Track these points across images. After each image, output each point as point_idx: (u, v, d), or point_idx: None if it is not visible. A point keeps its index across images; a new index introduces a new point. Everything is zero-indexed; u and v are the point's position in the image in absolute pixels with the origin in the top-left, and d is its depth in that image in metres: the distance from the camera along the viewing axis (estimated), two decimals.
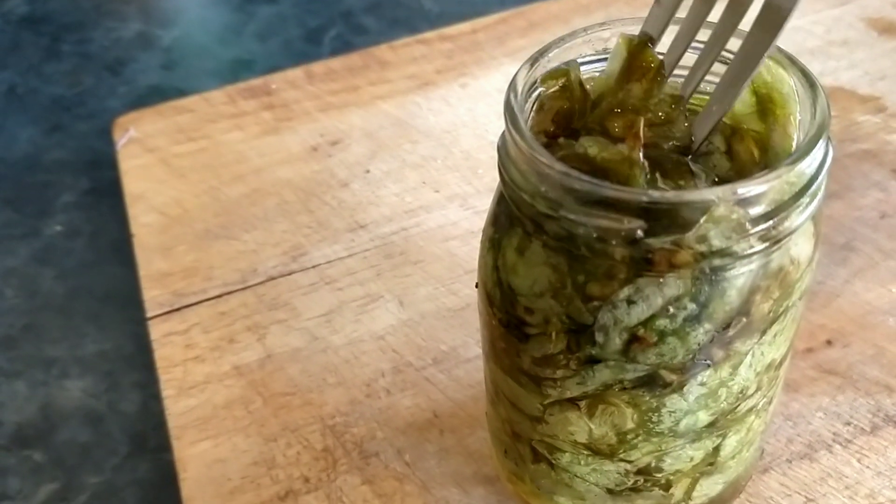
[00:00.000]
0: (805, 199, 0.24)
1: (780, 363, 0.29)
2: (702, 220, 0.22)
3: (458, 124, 0.54)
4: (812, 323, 0.41)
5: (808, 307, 0.42)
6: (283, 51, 0.69)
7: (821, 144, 0.24)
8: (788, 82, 0.26)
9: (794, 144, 0.26)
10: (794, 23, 0.60)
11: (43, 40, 0.72)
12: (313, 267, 0.46)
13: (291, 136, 0.55)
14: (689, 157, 0.26)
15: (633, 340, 0.25)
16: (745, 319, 0.25)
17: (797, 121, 0.26)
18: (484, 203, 0.44)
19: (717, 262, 0.24)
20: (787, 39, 0.59)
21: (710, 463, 0.30)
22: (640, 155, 0.24)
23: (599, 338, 0.26)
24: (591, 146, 0.24)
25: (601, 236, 0.24)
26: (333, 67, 0.59)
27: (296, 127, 0.55)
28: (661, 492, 0.30)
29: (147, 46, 0.70)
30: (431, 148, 0.53)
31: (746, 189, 0.22)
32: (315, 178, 0.51)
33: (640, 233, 0.23)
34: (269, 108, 0.57)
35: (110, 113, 0.62)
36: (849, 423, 0.38)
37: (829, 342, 0.41)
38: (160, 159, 0.53)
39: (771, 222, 0.23)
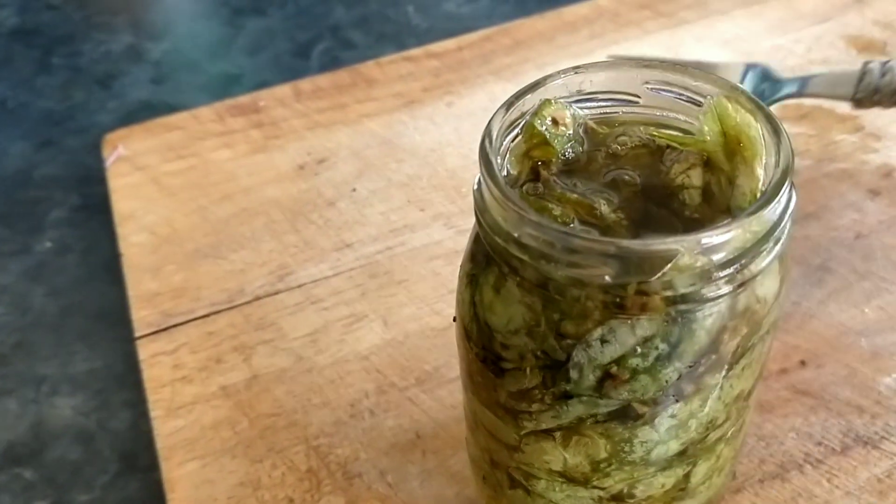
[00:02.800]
0: (769, 244, 0.25)
1: (749, 393, 0.30)
2: (667, 268, 0.23)
3: (444, 143, 0.55)
4: (786, 344, 0.43)
5: (783, 328, 0.43)
6: (272, 65, 0.69)
7: (784, 191, 0.25)
8: (755, 126, 0.27)
9: (759, 184, 0.27)
10: (775, 41, 0.62)
11: (34, 53, 0.73)
12: (299, 286, 0.47)
13: (279, 154, 0.55)
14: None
15: (606, 377, 0.26)
16: (713, 356, 0.26)
17: (764, 162, 0.27)
18: (468, 222, 0.45)
19: (684, 305, 0.25)
20: (769, 58, 0.60)
21: (682, 489, 0.31)
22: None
23: (573, 374, 0.26)
24: (554, 209, 0.26)
25: (573, 282, 0.25)
26: (321, 85, 0.60)
27: (284, 145, 0.56)
28: None
29: (137, 60, 0.71)
30: (417, 167, 0.54)
31: (710, 239, 0.23)
32: (302, 197, 0.52)
33: (607, 279, 0.24)
34: (258, 125, 0.57)
35: (101, 128, 0.63)
36: (820, 444, 0.39)
37: (802, 363, 0.42)
38: (150, 178, 0.54)
39: (735, 267, 0.24)
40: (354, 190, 0.52)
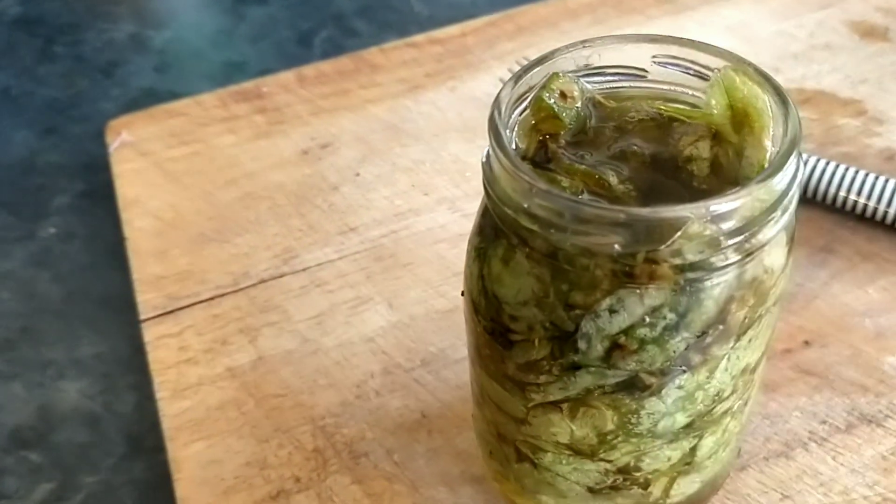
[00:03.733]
0: (777, 214, 0.25)
1: (756, 367, 0.30)
2: (676, 236, 0.24)
3: (447, 128, 0.55)
4: (791, 324, 0.43)
5: (787, 309, 0.43)
6: (275, 53, 0.69)
7: (791, 161, 0.25)
8: (763, 98, 0.27)
9: (767, 156, 0.27)
10: (778, 26, 0.62)
11: (37, 42, 0.73)
12: (304, 270, 0.47)
13: (283, 139, 0.55)
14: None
15: (615, 348, 0.26)
16: (721, 327, 0.26)
17: (771, 134, 0.27)
18: (472, 206, 0.45)
19: (693, 274, 0.25)
20: (771, 43, 0.60)
21: (688, 463, 0.31)
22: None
23: (582, 345, 0.27)
24: (563, 180, 0.26)
25: (582, 251, 0.25)
26: (324, 71, 0.60)
27: (287, 131, 0.56)
28: (640, 490, 0.31)
29: (140, 48, 0.71)
30: (421, 151, 0.54)
31: (719, 206, 0.23)
32: (306, 182, 0.52)
33: (617, 247, 0.24)
34: (261, 111, 0.57)
35: (104, 115, 0.63)
36: (825, 422, 0.39)
37: (807, 343, 0.42)
38: (153, 163, 0.54)
39: (744, 236, 0.24)
40: (358, 175, 0.53)
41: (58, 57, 0.71)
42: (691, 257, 0.24)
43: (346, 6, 0.73)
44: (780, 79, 0.57)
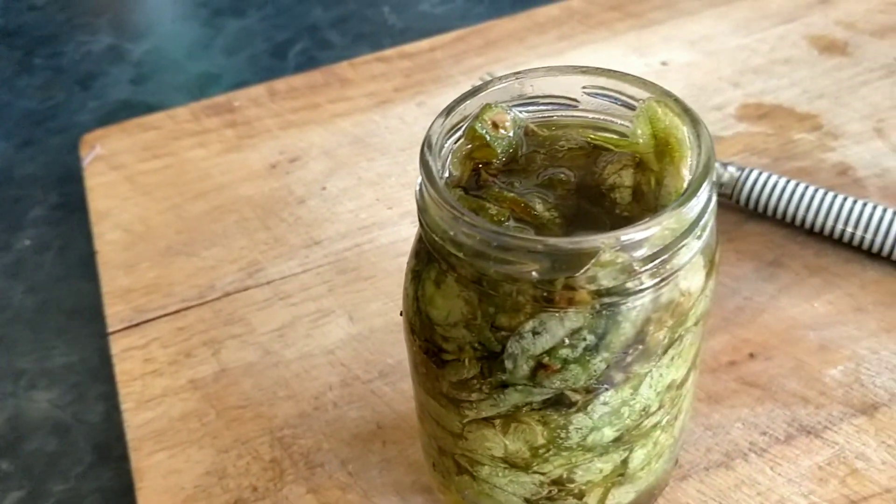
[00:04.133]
0: (689, 240, 0.26)
1: (683, 382, 0.31)
2: (590, 264, 0.25)
3: (414, 142, 0.56)
4: (737, 337, 0.44)
5: (734, 322, 0.45)
6: (250, 65, 0.71)
7: (703, 190, 0.26)
8: (682, 129, 0.28)
9: (684, 184, 0.28)
10: (741, 41, 0.63)
11: (16, 53, 0.74)
12: (268, 283, 0.48)
13: (252, 153, 0.57)
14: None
15: (539, 367, 0.28)
16: (640, 347, 0.28)
17: (690, 164, 0.28)
18: None
19: (609, 298, 0.26)
20: (733, 57, 0.62)
21: (621, 474, 0.32)
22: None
23: (509, 365, 0.28)
24: (491, 208, 0.27)
25: (505, 277, 0.26)
26: (295, 85, 0.62)
27: (257, 144, 0.57)
28: (576, 501, 0.33)
29: (117, 60, 0.72)
30: (387, 165, 0.55)
31: (630, 235, 0.25)
32: (274, 195, 0.54)
33: (535, 275, 0.25)
34: (232, 125, 0.59)
35: (81, 127, 0.64)
36: (765, 433, 0.40)
37: (751, 355, 0.43)
38: (125, 177, 0.56)
39: (657, 262, 0.26)
40: (325, 188, 0.54)
41: (36, 69, 0.72)
42: (606, 283, 0.26)
43: (321, 18, 0.75)
44: (739, 93, 0.59)
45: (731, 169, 0.49)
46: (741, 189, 0.49)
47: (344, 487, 0.39)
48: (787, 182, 0.49)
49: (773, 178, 0.49)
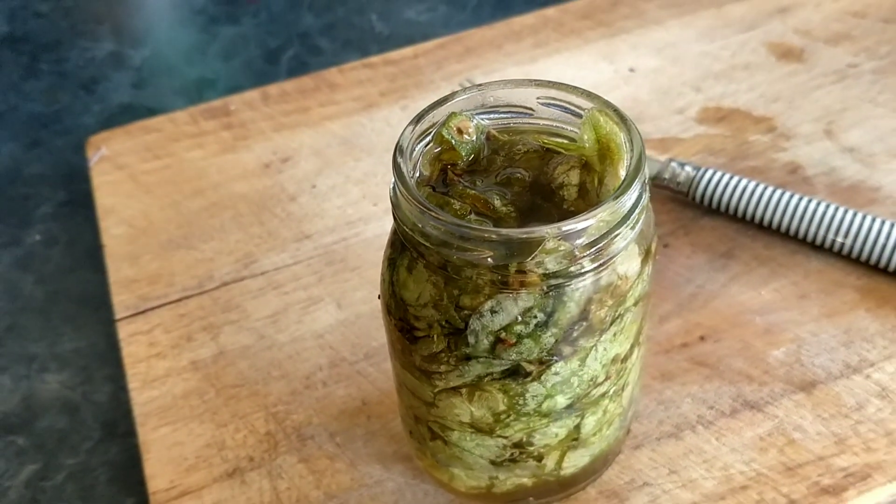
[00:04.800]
0: (623, 230, 0.30)
1: (626, 357, 0.35)
2: (538, 251, 0.29)
3: None
4: (689, 321, 0.48)
5: (688, 308, 0.49)
6: (244, 70, 0.75)
7: (634, 188, 0.30)
8: (620, 135, 0.32)
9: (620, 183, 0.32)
10: (704, 48, 0.68)
11: (22, 59, 0.78)
12: (262, 273, 0.53)
13: (247, 153, 0.61)
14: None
15: (498, 342, 0.32)
16: (584, 323, 0.32)
17: (626, 165, 0.32)
18: None
19: (556, 281, 0.30)
20: (696, 64, 0.66)
21: (574, 439, 0.37)
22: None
23: (471, 339, 0.32)
24: (455, 203, 0.32)
25: (466, 263, 0.30)
26: (287, 89, 0.66)
27: (251, 145, 0.61)
28: (536, 462, 0.37)
29: (119, 66, 0.76)
30: (373, 165, 0.59)
31: (569, 226, 0.29)
32: (267, 193, 0.58)
33: (490, 261, 0.30)
34: (228, 127, 0.63)
35: (85, 129, 0.68)
36: (712, 408, 0.45)
37: (702, 338, 0.48)
38: (129, 176, 0.60)
39: (594, 249, 0.30)
40: (314, 186, 0.58)
41: (42, 73, 0.76)
42: (552, 267, 0.30)
43: (311, 25, 0.79)
44: (700, 97, 0.64)
45: (689, 168, 0.54)
46: (697, 187, 0.53)
47: (332, 457, 0.44)
48: (740, 180, 0.53)
49: (727, 177, 0.53)
